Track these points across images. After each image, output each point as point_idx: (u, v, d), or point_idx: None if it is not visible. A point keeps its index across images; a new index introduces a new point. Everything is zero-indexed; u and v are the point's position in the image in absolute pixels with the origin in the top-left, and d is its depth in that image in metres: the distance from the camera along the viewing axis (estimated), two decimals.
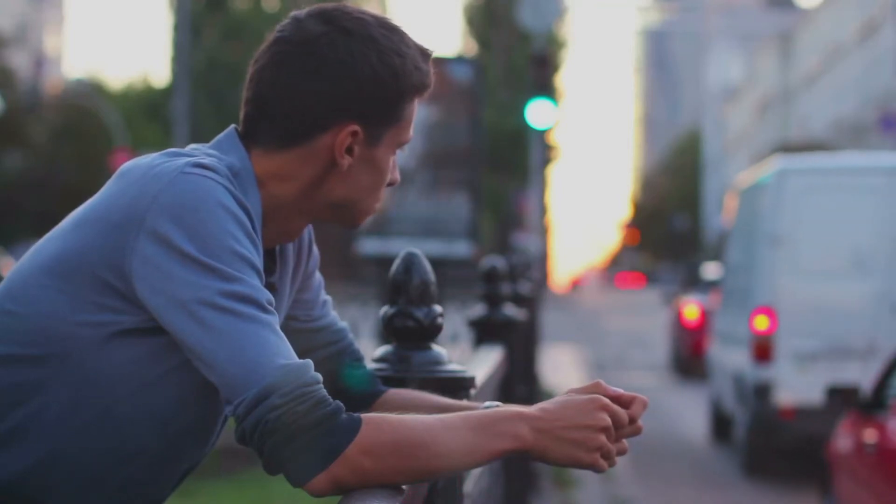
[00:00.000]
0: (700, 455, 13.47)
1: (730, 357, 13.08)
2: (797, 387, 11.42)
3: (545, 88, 19.89)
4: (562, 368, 21.61)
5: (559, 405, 2.01)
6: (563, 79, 57.45)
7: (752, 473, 11.93)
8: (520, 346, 6.56)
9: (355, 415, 1.94)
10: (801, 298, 11.63)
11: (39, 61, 58.08)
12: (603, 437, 2.00)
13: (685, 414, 16.74)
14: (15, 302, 2.05)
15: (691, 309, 21.78)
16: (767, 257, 11.70)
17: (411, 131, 2.21)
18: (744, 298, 12.45)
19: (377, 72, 2.12)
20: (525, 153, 35.31)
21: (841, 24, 67.57)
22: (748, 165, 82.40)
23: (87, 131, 44.38)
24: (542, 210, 29.28)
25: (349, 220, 2.21)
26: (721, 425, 13.90)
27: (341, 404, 1.95)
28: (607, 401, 2.02)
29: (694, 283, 25.62)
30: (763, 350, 11.61)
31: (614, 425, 2.02)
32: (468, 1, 50.50)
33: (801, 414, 11.38)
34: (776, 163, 12.43)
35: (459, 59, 16.96)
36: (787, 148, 60.51)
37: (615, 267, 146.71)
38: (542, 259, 31.72)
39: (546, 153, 30.07)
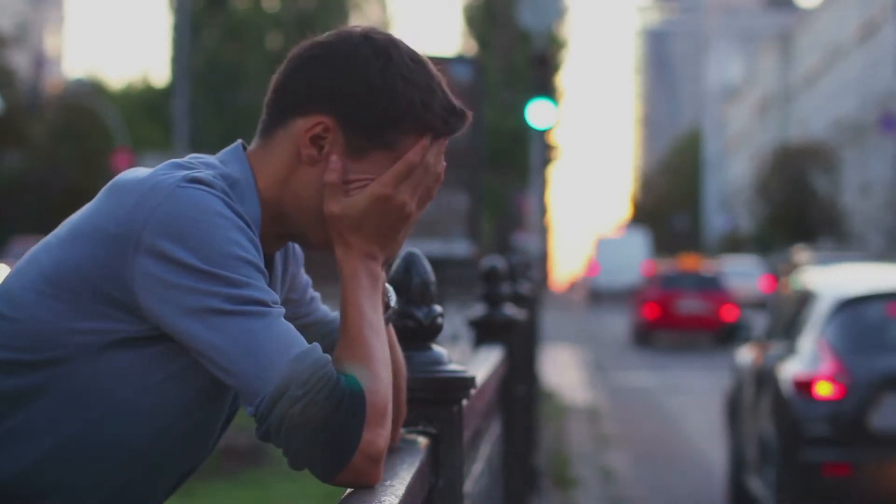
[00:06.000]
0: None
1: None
2: (604, 284, 55.06)
3: (545, 88, 19.90)
4: (562, 368, 21.62)
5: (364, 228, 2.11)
6: (563, 79, 57.44)
7: (593, 306, 53.29)
8: (520, 346, 6.55)
9: (355, 387, 1.98)
10: (606, 266, 55.49)
11: (39, 61, 58.05)
12: (405, 209, 2.11)
13: (686, 415, 16.74)
14: (11, 306, 2.05)
15: (593, 266, 56.55)
16: (596, 255, 58.24)
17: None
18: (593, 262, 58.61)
19: (371, 79, 2.09)
20: (525, 153, 35.32)
21: (841, 24, 67.55)
22: (748, 165, 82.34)
23: (87, 131, 44.41)
24: (542, 210, 29.22)
25: (317, 234, 2.14)
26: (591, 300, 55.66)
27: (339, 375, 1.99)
28: (387, 189, 2.10)
29: None
30: (595, 272, 57.06)
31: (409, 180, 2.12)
32: (468, 1, 50.51)
33: (605, 291, 54.56)
34: (600, 237, 59.19)
35: (459, 59, 16.95)
36: (787, 149, 60.57)
37: None
38: (542, 259, 31.66)
39: (546, 153, 30.01)
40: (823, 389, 8.41)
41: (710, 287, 30.16)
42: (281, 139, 2.13)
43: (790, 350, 9.03)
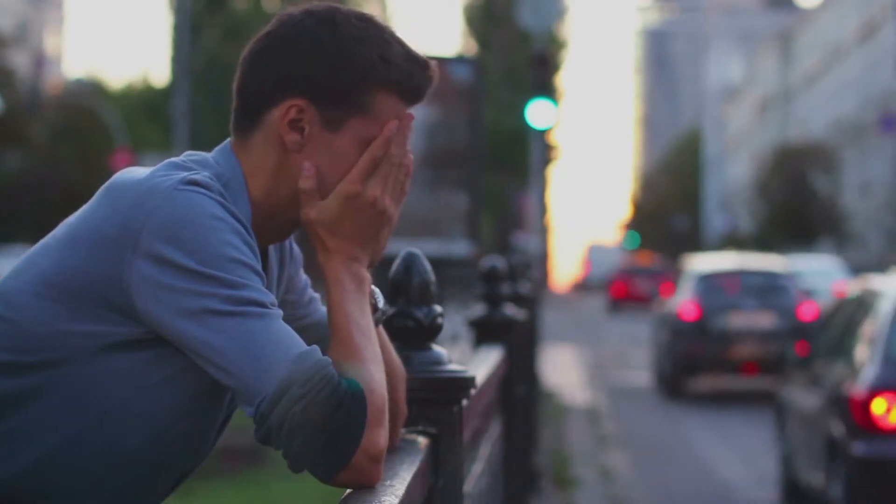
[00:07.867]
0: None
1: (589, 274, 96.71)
2: (594, 278, 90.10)
3: (545, 88, 19.91)
4: (562, 368, 21.62)
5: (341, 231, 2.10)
6: (563, 79, 57.47)
7: (581, 294, 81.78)
8: (520, 346, 6.56)
9: (356, 388, 1.98)
10: (595, 265, 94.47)
11: (39, 61, 58.05)
12: (380, 204, 2.10)
13: (686, 415, 16.73)
14: (9, 308, 2.05)
15: (587, 265, 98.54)
16: (588, 257, 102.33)
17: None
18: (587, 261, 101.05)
19: (325, 48, 2.09)
20: (525, 153, 35.28)
21: (841, 24, 67.54)
22: (748, 165, 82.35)
23: (87, 131, 44.37)
24: (542, 210, 29.23)
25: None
26: (585, 290, 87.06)
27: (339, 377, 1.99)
28: (355, 186, 2.09)
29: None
30: (588, 270, 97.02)
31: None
32: (468, 1, 50.47)
33: (595, 284, 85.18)
34: (592, 244, 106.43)
35: (459, 59, 16.95)
36: (787, 149, 60.58)
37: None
38: (542, 259, 31.64)
39: (546, 153, 30.02)
40: (689, 314, 18.35)
41: (657, 274, 48.72)
42: (260, 138, 2.12)
43: (676, 297, 19.30)
